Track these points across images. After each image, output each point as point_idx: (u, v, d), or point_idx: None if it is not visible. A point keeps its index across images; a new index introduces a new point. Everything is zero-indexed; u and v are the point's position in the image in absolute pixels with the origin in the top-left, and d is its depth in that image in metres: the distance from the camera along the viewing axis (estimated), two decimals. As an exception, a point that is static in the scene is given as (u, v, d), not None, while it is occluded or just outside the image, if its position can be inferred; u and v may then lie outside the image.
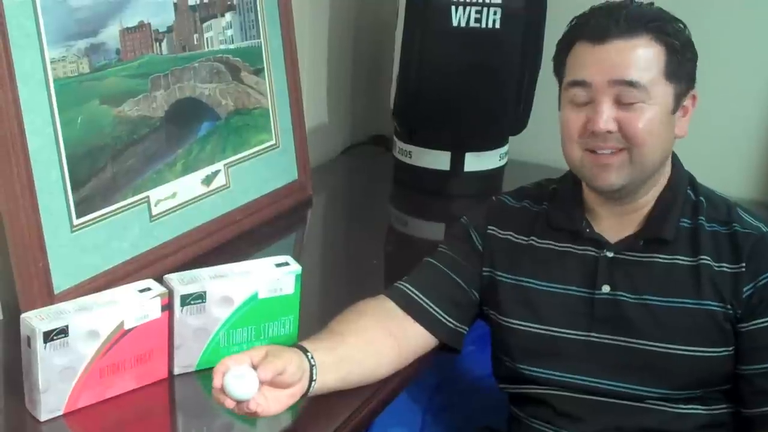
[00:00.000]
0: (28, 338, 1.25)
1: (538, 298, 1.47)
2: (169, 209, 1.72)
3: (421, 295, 1.49)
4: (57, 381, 1.27)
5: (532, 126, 2.18)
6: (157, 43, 1.70)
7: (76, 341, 1.27)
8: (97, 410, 1.32)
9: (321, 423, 1.36)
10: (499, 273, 1.50)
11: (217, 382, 1.20)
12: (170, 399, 1.41)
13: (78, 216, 1.54)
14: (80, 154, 1.54)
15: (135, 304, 1.33)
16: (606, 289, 1.44)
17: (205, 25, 1.80)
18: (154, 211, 1.68)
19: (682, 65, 1.39)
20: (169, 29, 1.72)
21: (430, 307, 1.48)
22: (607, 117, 1.36)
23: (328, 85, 2.38)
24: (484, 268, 1.51)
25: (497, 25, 2.01)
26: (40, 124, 1.47)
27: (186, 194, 1.76)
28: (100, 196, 1.58)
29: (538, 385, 1.48)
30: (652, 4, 1.45)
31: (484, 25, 2.01)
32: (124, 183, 1.63)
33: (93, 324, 1.29)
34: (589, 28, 1.38)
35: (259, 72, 1.94)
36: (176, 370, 1.40)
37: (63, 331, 1.26)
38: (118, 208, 1.61)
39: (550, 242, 1.49)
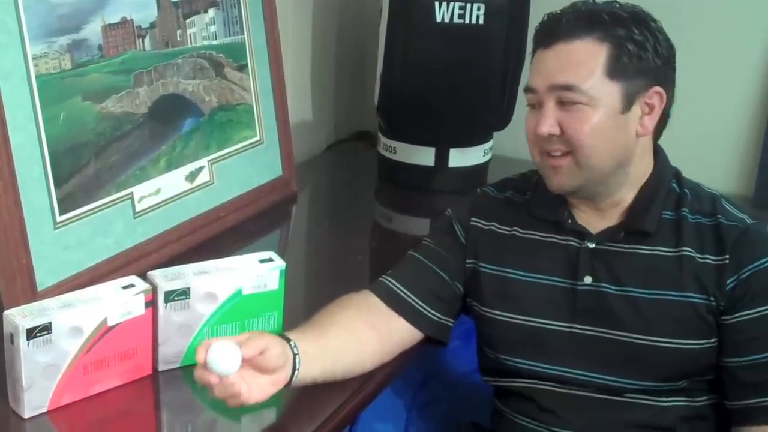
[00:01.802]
0: (11, 335, 1.24)
1: (521, 289, 1.47)
2: (153, 206, 1.71)
3: (404, 289, 1.49)
4: (40, 378, 1.27)
5: (516, 121, 2.18)
6: (140, 39, 1.69)
7: (60, 338, 1.27)
8: (82, 407, 1.31)
9: (306, 418, 1.36)
10: (483, 264, 1.50)
11: (200, 356, 1.20)
12: (155, 395, 1.41)
13: (61, 212, 1.53)
14: (63, 150, 1.53)
15: (118, 301, 1.32)
16: (588, 280, 1.43)
17: (188, 21, 1.79)
18: (138, 207, 1.68)
19: (631, 62, 1.36)
20: (152, 25, 1.71)
21: (413, 300, 1.48)
22: (547, 121, 1.37)
23: (312, 81, 2.38)
24: (467, 260, 1.51)
25: (481, 21, 2.01)
26: (22, 120, 1.47)
27: (170, 191, 1.75)
28: (83, 193, 1.57)
29: (521, 377, 1.48)
30: (614, 1, 1.42)
31: (467, 21, 2.01)
32: (107, 179, 1.62)
33: (76, 321, 1.28)
34: (540, 34, 1.41)
35: (242, 68, 1.93)
36: (161, 367, 1.40)
37: (46, 328, 1.25)
38: (102, 205, 1.61)
39: (533, 232, 1.49)
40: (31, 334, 1.24)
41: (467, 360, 1.86)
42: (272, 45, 2.00)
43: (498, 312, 1.49)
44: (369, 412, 1.51)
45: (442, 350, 1.72)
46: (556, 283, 1.46)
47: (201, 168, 1.82)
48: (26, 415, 1.27)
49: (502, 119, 2.15)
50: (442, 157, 2.15)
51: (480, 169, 2.22)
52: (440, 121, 2.11)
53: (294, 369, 1.29)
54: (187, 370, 1.40)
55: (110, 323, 1.32)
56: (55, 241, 1.52)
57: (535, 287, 1.47)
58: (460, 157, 2.17)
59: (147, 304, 1.35)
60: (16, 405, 1.28)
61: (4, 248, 1.44)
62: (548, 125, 1.37)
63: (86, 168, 1.58)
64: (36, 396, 1.27)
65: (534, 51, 1.43)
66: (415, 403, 1.76)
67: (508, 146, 2.29)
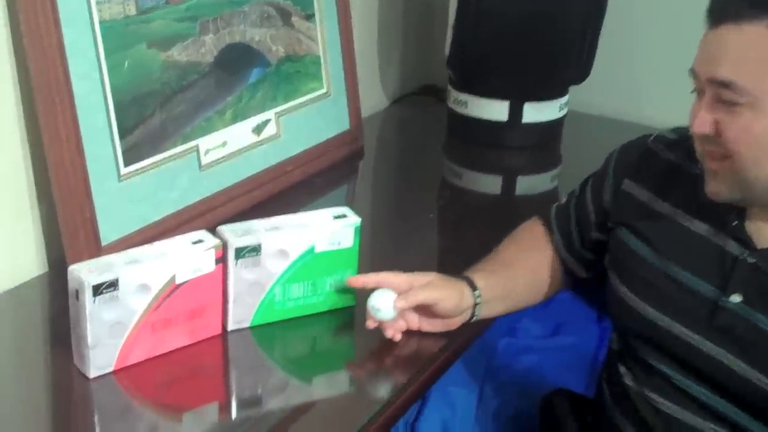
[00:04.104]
0: (77, 291, 1.19)
1: (658, 279, 1.26)
2: (219, 159, 1.65)
3: (560, 237, 1.45)
4: (106, 336, 1.21)
5: (594, 75, 2.08)
6: (206, -15, 1.62)
7: (126, 295, 1.21)
8: (148, 367, 1.26)
9: (383, 383, 1.31)
10: (625, 232, 1.32)
11: (355, 282, 1.34)
12: (224, 355, 1.35)
13: (125, 164, 1.48)
14: (127, 100, 1.47)
15: (187, 257, 1.26)
16: (736, 299, 1.19)
17: (255, -34, 1.72)
18: (204, 160, 1.62)
19: None
20: (219, -30, 1.64)
21: (566, 253, 1.45)
22: (701, 119, 1.14)
23: (379, 31, 2.30)
24: (609, 222, 1.36)
25: (561, -33, 1.91)
26: (86, 68, 1.41)
27: (236, 143, 1.69)
28: (148, 144, 1.51)
29: (627, 366, 1.34)
30: None
31: (547, -33, 1.91)
32: (172, 131, 1.56)
33: (144, 277, 1.22)
34: (709, 7, 1.13)
35: (310, 17, 1.85)
36: (230, 326, 1.34)
37: (113, 285, 1.19)
38: (167, 157, 1.55)
39: (690, 218, 1.25)
40: (97, 290, 1.18)
41: (543, 323, 1.79)
42: (340, -8, 1.92)
43: (628, 292, 1.30)
44: (444, 377, 1.44)
45: (518, 312, 1.65)
46: (699, 287, 1.23)
47: (267, 120, 1.75)
48: (92, 374, 1.22)
49: (581, 72, 2.05)
50: (515, 111, 2.05)
51: (555, 125, 2.12)
52: (515, 73, 2.01)
53: (472, 315, 1.35)
54: (258, 330, 1.36)
55: (179, 280, 1.25)
56: (119, 193, 1.47)
57: (674, 283, 1.25)
58: (535, 112, 2.07)
59: (217, 261, 1.29)
60: (81, 363, 1.23)
61: (68, 201, 1.39)
62: (700, 123, 1.14)
63: (151, 119, 1.52)
64: (101, 355, 1.22)
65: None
66: (490, 367, 1.69)
67: (585, 101, 2.20)
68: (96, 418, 1.23)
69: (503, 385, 1.67)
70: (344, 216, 1.38)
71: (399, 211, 1.89)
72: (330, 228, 1.36)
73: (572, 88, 2.13)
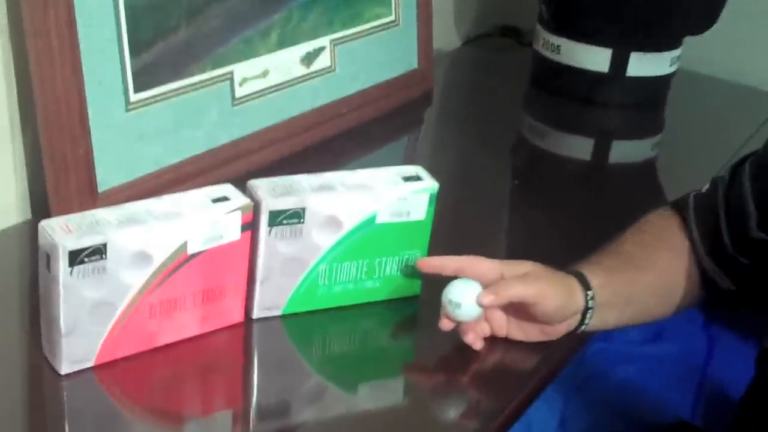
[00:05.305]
0: (48, 257, 0.87)
1: None
2: (258, 91, 1.35)
3: (701, 236, 1.13)
4: (86, 321, 0.90)
5: (716, 26, 1.73)
6: None
7: (118, 266, 0.89)
8: (142, 362, 0.96)
9: (451, 401, 1.02)
10: None
11: (425, 267, 1.05)
12: (245, 351, 1.06)
13: (136, 89, 1.17)
14: (144, 5, 1.17)
15: (205, 219, 0.95)
16: None
17: None
18: (239, 92, 1.31)
19: None
20: None
21: (709, 255, 1.12)
22: None
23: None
24: None
25: None
26: (92, -40, 1.09)
27: (280, 74, 1.38)
28: (168, 66, 1.21)
29: None
30: None
31: None
32: (201, 51, 1.25)
33: (143, 243, 0.91)
34: None
35: (380, -77, 1.53)
36: (256, 313, 1.04)
37: (99, 251, 0.87)
38: (192, 84, 1.24)
39: None
40: (76, 258, 0.86)
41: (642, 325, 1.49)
42: None
43: None
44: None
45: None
46: None
47: (321, 49, 1.44)
48: (64, 370, 0.91)
49: (704, 20, 1.69)
50: (619, 62, 1.70)
51: (661, 83, 1.78)
52: (623, 15, 1.67)
53: (581, 323, 1.03)
54: (292, 319, 1.05)
55: (191, 250, 0.94)
56: (125, 126, 1.17)
57: None
58: (642, 65, 1.72)
59: (244, 227, 0.97)
60: (51, 355, 0.92)
61: (56, 131, 1.09)
62: None
63: (174, 33, 1.21)
64: (79, 345, 0.91)
65: None
66: (577, 378, 1.39)
67: (697, 57, 1.84)
68: (66, 430, 0.92)
69: (592, 402, 1.37)
70: (417, 178, 1.06)
71: (475, 175, 1.57)
72: (398, 192, 1.03)
73: (687, 40, 1.79)
